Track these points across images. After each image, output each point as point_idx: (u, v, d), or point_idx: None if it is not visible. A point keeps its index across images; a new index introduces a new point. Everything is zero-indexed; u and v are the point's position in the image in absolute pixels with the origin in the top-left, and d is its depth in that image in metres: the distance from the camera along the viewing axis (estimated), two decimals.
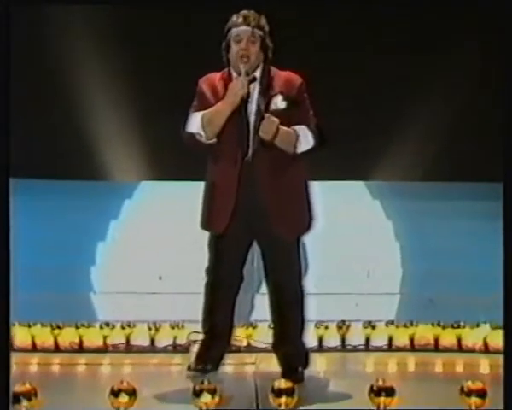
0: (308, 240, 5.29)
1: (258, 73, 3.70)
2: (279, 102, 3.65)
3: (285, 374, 3.65)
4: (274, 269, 3.76)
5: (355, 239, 5.46)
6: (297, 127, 3.67)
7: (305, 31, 6.04)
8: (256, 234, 3.73)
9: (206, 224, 3.77)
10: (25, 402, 2.90)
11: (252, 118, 3.67)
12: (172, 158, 5.67)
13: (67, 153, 6.10)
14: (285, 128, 3.63)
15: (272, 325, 3.92)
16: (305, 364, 3.82)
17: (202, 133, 3.68)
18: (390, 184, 6.05)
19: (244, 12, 3.69)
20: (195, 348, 4.19)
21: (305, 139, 3.67)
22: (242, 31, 3.66)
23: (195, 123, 3.70)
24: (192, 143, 3.73)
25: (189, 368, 3.81)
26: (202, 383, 2.97)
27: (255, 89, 3.68)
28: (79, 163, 6.10)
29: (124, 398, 2.93)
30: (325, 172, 5.87)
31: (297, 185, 3.74)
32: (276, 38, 3.78)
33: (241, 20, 3.68)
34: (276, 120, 3.59)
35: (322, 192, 5.76)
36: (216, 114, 3.65)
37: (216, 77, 3.77)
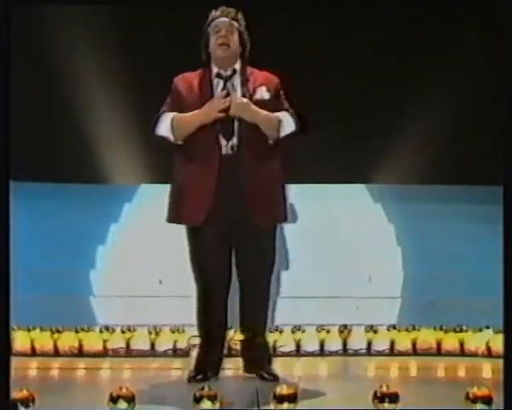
0: (309, 243, 5.30)
1: (237, 66, 3.80)
2: (264, 93, 3.76)
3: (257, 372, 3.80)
4: (248, 262, 3.77)
5: (356, 243, 5.44)
6: (278, 113, 3.78)
7: (302, 32, 6.02)
8: (234, 226, 3.72)
9: (182, 217, 3.78)
10: (22, 409, 2.88)
11: None
12: (172, 161, 5.62)
13: (67, 156, 6.07)
14: (266, 112, 3.72)
15: (241, 326, 3.92)
16: (270, 362, 3.88)
17: (171, 136, 3.77)
18: (391, 187, 6.03)
19: (222, 7, 3.84)
20: (195, 353, 4.18)
21: (288, 123, 3.78)
22: (221, 21, 3.80)
23: (165, 126, 3.78)
24: (162, 141, 3.84)
25: (189, 380, 3.78)
26: (203, 389, 2.96)
27: (237, 80, 3.77)
28: (79, 166, 6.07)
29: (122, 404, 2.91)
30: (326, 175, 5.86)
31: (275, 178, 3.79)
32: (271, 38, 3.83)
33: (218, 13, 3.83)
34: (244, 99, 3.69)
35: (323, 195, 5.79)
36: (186, 123, 3.73)
37: (192, 75, 3.85)
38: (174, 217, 3.83)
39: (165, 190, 5.98)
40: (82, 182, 5.94)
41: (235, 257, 3.81)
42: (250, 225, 3.70)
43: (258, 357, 3.84)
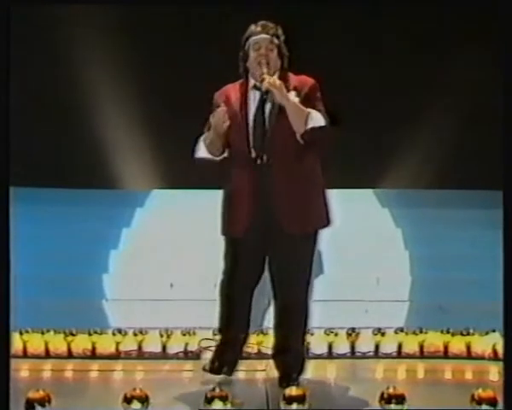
0: (318, 247, 5.34)
1: (276, 78, 3.79)
2: (292, 97, 3.74)
3: (281, 381, 3.77)
4: (283, 273, 3.80)
5: (364, 247, 5.48)
6: (308, 109, 3.75)
7: (316, 36, 6.06)
8: (269, 237, 3.77)
9: (225, 229, 3.83)
10: (39, 409, 2.95)
11: (268, 119, 3.76)
12: (184, 166, 5.67)
13: (80, 161, 6.12)
14: (296, 101, 3.71)
15: (274, 332, 3.96)
16: (301, 371, 3.87)
17: (209, 156, 3.82)
18: (399, 192, 6.07)
19: (262, 22, 3.83)
20: (206, 355, 4.24)
21: (316, 117, 3.73)
22: (261, 39, 3.79)
23: (201, 147, 3.84)
24: (205, 163, 3.86)
25: (203, 369, 3.85)
26: (214, 390, 3.02)
27: (272, 93, 3.76)
28: (92, 172, 6.12)
29: (136, 405, 2.97)
30: (334, 180, 5.90)
31: (311, 184, 3.81)
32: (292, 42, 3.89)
33: (259, 29, 3.81)
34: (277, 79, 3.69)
35: (331, 200, 5.83)
36: (210, 138, 3.78)
37: (230, 88, 3.87)
38: (222, 230, 3.88)
39: (176, 195, 6.10)
40: (95, 188, 6.00)
41: (269, 265, 3.85)
42: (283, 235, 3.74)
43: (290, 371, 3.82)
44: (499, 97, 3.06)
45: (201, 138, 3.85)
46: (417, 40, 6.04)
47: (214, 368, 3.85)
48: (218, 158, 3.80)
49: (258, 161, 3.73)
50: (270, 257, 3.84)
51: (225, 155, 3.80)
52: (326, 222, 3.85)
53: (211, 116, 3.74)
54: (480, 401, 2.98)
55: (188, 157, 3.99)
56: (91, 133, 6.19)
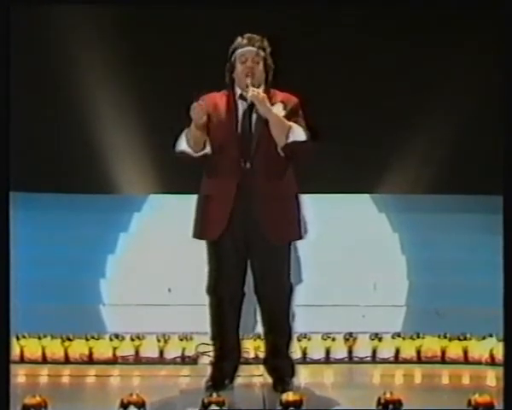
0: (314, 252, 5.35)
1: (260, 90, 3.86)
2: (280, 109, 3.83)
3: (276, 385, 3.82)
4: (263, 277, 3.86)
5: (361, 252, 5.49)
6: (290, 123, 3.84)
7: (311, 42, 6.07)
8: (249, 241, 3.82)
9: (201, 232, 3.87)
10: None
11: (254, 128, 3.84)
12: (181, 171, 5.67)
13: (78, 166, 6.12)
14: (279, 115, 3.80)
15: (263, 337, 4.00)
16: (293, 374, 3.93)
17: (189, 150, 3.85)
18: (396, 196, 6.08)
19: (248, 34, 3.90)
20: (204, 360, 4.23)
21: (298, 132, 3.82)
22: (248, 51, 3.86)
23: (182, 141, 3.89)
24: (184, 158, 3.90)
25: (207, 388, 3.80)
26: (211, 395, 3.03)
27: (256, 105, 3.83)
28: (90, 177, 6.12)
29: None
30: (331, 185, 5.92)
31: (289, 195, 3.89)
32: (278, 54, 3.94)
33: (245, 41, 3.88)
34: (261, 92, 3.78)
35: (328, 205, 5.84)
36: (191, 132, 3.82)
37: (215, 95, 3.93)
38: (195, 232, 3.92)
39: (173, 200, 6.11)
40: (92, 193, 6.00)
41: (252, 271, 3.89)
42: (264, 241, 3.79)
43: (282, 375, 3.88)
44: (499, 100, 3.07)
45: (184, 132, 3.89)
46: (416, 42, 6.04)
47: (217, 384, 3.82)
48: (196, 154, 3.84)
49: (242, 165, 3.78)
50: (251, 262, 3.89)
51: (206, 151, 3.84)
52: (300, 235, 3.93)
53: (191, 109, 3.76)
54: (476, 406, 3.00)
55: (185, 162, 4.00)
56: (89, 138, 6.18)
